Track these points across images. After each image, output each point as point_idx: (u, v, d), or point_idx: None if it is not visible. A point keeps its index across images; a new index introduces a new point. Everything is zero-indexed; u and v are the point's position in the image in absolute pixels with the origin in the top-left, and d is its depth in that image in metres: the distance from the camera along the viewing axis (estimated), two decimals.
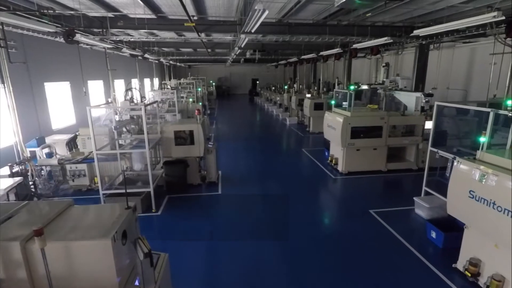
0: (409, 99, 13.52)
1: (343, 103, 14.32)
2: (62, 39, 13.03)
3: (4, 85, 10.22)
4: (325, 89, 25.09)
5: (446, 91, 19.74)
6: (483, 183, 5.80)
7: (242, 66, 50.31)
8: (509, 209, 5.33)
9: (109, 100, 16.53)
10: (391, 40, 14.76)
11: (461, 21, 10.14)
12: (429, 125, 11.16)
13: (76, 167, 10.97)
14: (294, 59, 32.97)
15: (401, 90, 14.05)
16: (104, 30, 14.12)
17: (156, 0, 13.05)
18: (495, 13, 8.82)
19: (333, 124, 13.18)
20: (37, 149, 11.07)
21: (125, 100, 11.58)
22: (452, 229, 7.53)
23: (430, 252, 7.65)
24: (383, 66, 15.07)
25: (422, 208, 9.25)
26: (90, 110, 8.83)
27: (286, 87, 31.29)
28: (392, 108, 14.27)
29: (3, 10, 9.86)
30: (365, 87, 16.66)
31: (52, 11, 11.82)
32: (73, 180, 11.15)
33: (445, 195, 6.97)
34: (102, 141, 9.91)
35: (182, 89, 24.05)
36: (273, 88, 38.09)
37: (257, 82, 53.37)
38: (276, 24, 15.94)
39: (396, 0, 11.20)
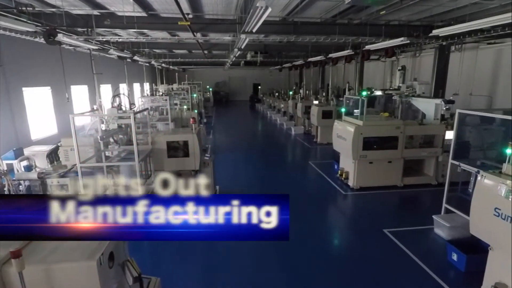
0: (428, 106, 13.56)
1: (355, 110, 14.35)
2: (43, 39, 13.11)
3: None
4: (335, 95, 25.15)
5: (469, 98, 19.74)
6: (510, 199, 5.81)
7: (242, 70, 50.36)
8: None
9: (95, 107, 16.55)
10: (408, 41, 14.82)
11: (485, 20, 10.19)
12: (450, 135, 11.17)
13: (58, 182, 10.98)
14: (300, 62, 33.06)
15: (419, 96, 14.04)
16: (89, 29, 14.22)
17: None
18: None
19: (343, 134, 13.21)
20: (14, 162, 11.06)
21: (112, 107, 11.61)
22: (476, 250, 7.52)
23: (451, 276, 7.65)
24: (399, 70, 15.13)
25: (442, 228, 9.25)
26: (73, 118, 8.86)
27: (291, 93, 31.38)
28: (408, 116, 14.28)
29: None
30: (379, 93, 16.69)
31: (31, 9, 11.92)
32: None
33: (467, 213, 6.98)
34: (87, 153, 9.91)
35: (176, 95, 24.10)
36: (277, 94, 38.19)
37: (259, 87, 53.50)
38: (280, 23, 16.04)
39: None
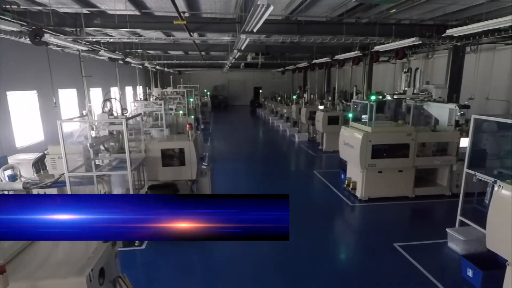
0: (441, 111, 13.55)
1: (363, 116, 14.35)
2: (28, 39, 13.17)
3: None
4: (341, 100, 25.17)
5: (485, 102, 19.79)
6: None
7: (243, 72, 50.53)
8: None
9: (84, 112, 16.58)
10: (420, 42, 14.86)
11: (503, 19, 10.20)
12: (465, 142, 11.19)
13: (45, 192, 10.97)
14: (304, 64, 33.15)
15: (434, 101, 13.98)
16: (78, 29, 14.27)
17: None
18: None
19: (351, 141, 13.22)
20: None
21: (103, 112, 11.63)
22: (492, 266, 7.50)
23: None
24: (405, 72, 15.06)
25: (456, 242, 9.24)
26: (61, 124, 8.88)
27: (294, 97, 31.41)
28: (420, 122, 14.27)
29: None
30: (389, 97, 16.66)
31: (16, 7, 11.96)
32: None
33: (483, 226, 6.98)
34: (76, 162, 9.93)
35: (171, 100, 24.16)
36: (279, 98, 38.24)
37: (260, 91, 53.55)
38: (282, 22, 16.11)
39: None
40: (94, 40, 18.51)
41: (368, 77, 25.24)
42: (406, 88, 14.66)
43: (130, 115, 13.27)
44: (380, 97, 14.63)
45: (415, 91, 14.43)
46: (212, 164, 13.77)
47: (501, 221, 6.36)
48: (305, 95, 29.59)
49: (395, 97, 15.09)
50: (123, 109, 14.80)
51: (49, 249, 3.77)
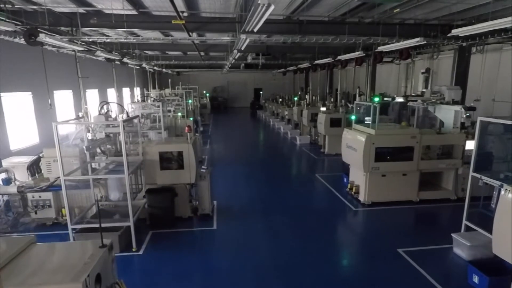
0: (446, 113, 13.54)
1: (366, 118, 14.33)
2: (23, 39, 13.17)
3: None
4: (344, 101, 25.20)
5: (492, 104, 19.78)
6: None
7: (243, 73, 50.60)
8: None
9: (80, 114, 16.59)
10: (424, 42, 14.85)
11: (509, 19, 10.21)
12: (470, 145, 11.18)
13: (40, 196, 10.96)
14: (305, 64, 33.18)
15: (447, 103, 13.93)
16: (74, 28, 14.26)
17: None
18: None
19: (354, 144, 13.20)
20: None
21: (100, 114, 11.63)
22: (499, 272, 7.51)
23: None
24: (422, 73, 14.95)
25: (462, 247, 9.23)
26: (56, 126, 8.86)
27: (296, 98, 31.39)
28: (425, 124, 14.24)
29: None
30: (400, 99, 16.56)
31: (10, 6, 11.95)
32: (35, 212, 11.13)
33: (490, 231, 6.98)
34: (72, 165, 9.93)
35: (169, 101, 24.18)
36: (280, 100, 38.26)
37: (261, 92, 53.57)
38: (284, 21, 16.11)
39: None
40: (90, 40, 18.50)
41: (372, 78, 25.27)
42: (423, 90, 14.54)
43: (128, 117, 13.28)
44: (390, 99, 14.54)
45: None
46: (212, 168, 13.75)
47: (507, 226, 6.36)
48: (307, 96, 29.62)
49: (407, 99, 15.01)
50: (126, 111, 14.79)
51: (44, 255, 3.76)
